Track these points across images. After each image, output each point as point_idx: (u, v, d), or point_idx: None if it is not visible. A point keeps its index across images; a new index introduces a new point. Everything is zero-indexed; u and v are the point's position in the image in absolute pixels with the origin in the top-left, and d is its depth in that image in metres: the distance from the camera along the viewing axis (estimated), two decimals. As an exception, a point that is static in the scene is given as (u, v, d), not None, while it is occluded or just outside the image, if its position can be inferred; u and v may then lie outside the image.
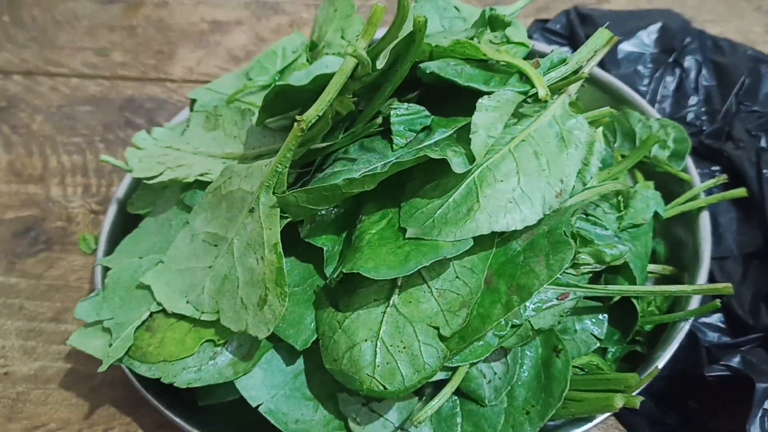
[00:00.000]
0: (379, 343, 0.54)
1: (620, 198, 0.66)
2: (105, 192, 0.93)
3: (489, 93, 0.59)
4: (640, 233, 0.66)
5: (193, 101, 0.78)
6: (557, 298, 0.59)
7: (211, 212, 0.61)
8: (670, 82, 0.89)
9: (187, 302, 0.60)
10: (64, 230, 0.89)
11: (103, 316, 0.62)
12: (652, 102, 0.88)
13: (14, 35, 1.15)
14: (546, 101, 0.61)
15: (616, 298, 0.64)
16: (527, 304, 0.57)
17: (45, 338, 0.79)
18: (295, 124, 0.52)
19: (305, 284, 0.60)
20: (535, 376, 0.59)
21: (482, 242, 0.56)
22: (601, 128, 0.69)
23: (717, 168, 0.80)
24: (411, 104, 0.62)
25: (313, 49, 0.77)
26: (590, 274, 0.62)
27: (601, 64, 0.84)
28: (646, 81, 0.89)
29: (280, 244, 0.55)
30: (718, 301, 0.60)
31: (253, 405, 0.58)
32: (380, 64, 0.55)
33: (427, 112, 0.62)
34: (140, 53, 1.11)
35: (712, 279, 0.72)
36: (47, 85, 1.07)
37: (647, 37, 0.92)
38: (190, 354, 0.59)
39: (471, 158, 0.55)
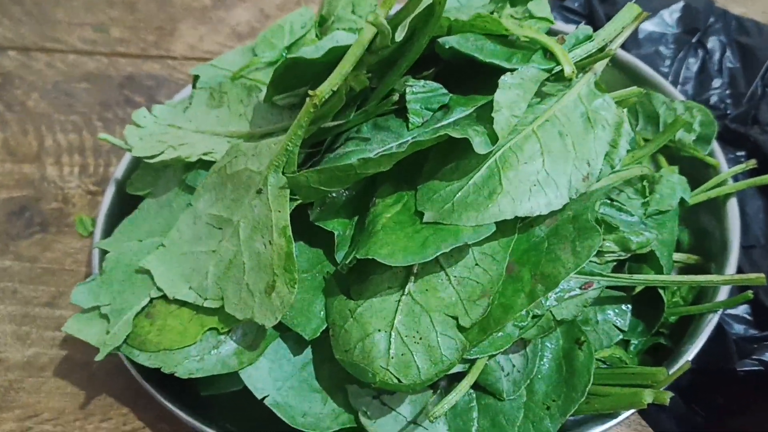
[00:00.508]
0: (393, 334, 0.51)
1: (645, 183, 0.63)
2: (103, 172, 0.90)
3: (511, 70, 0.56)
4: (666, 220, 0.63)
5: (196, 78, 0.74)
6: (580, 288, 0.56)
7: (215, 193, 0.57)
8: (693, 63, 0.86)
9: (190, 288, 0.56)
10: (60, 211, 0.86)
11: (101, 302, 0.59)
12: (674, 84, 0.84)
13: (10, 9, 1.10)
14: (571, 79, 0.58)
15: (640, 288, 0.61)
16: (550, 293, 0.54)
17: (39, 324, 0.76)
18: (308, 99, 0.49)
19: (314, 270, 0.57)
20: (556, 369, 0.56)
21: (504, 227, 0.53)
22: (625, 110, 0.66)
23: (742, 153, 0.78)
24: (428, 81, 0.59)
25: (323, 25, 0.74)
26: (614, 263, 0.59)
27: (622, 44, 0.80)
28: (668, 62, 0.86)
29: (290, 228, 0.51)
30: (750, 292, 0.57)
31: (259, 397, 0.55)
32: (399, 36, 0.51)
33: (445, 90, 0.58)
34: (140, 29, 1.07)
35: (738, 269, 0.69)
36: (43, 62, 1.03)
37: (669, 17, 0.88)
38: (193, 342, 0.55)
39: (493, 138, 0.52)
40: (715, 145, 0.69)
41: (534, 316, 0.55)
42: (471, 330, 0.51)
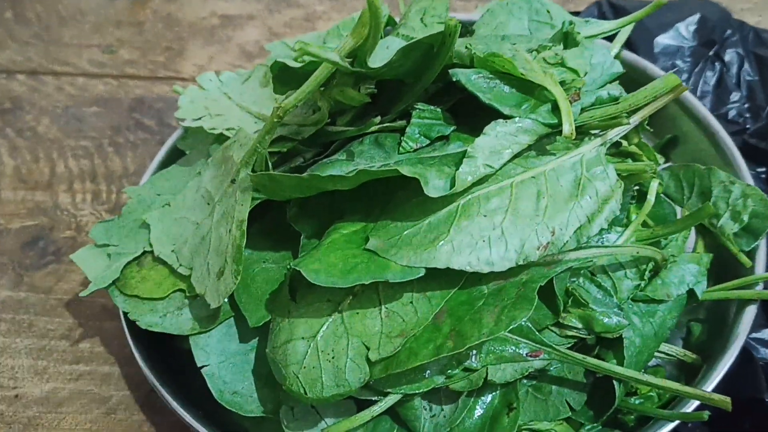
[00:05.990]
0: (312, 345, 0.53)
1: (647, 266, 0.58)
2: (115, 199, 0.90)
3: (508, 117, 0.54)
4: (658, 310, 0.58)
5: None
6: (528, 354, 0.54)
7: (215, 170, 0.61)
8: (711, 77, 0.83)
9: (172, 251, 0.61)
10: (74, 240, 0.86)
11: (110, 242, 0.65)
12: (692, 98, 0.81)
13: (18, 33, 1.09)
14: (575, 139, 0.55)
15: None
16: (478, 352, 0.53)
17: (57, 357, 0.76)
18: (273, 108, 0.51)
19: (282, 263, 0.60)
20: (480, 427, 0.55)
21: (451, 274, 0.51)
22: (656, 183, 0.61)
23: (762, 169, 0.74)
24: (438, 109, 0.58)
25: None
26: (575, 339, 0.56)
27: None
28: (684, 76, 0.83)
29: (246, 222, 0.54)
30: (705, 413, 0.52)
31: (199, 364, 0.58)
32: (375, 63, 0.51)
33: (449, 122, 0.58)
34: (149, 50, 1.06)
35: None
36: (53, 85, 1.03)
37: (685, 30, 0.85)
38: (162, 297, 0.60)
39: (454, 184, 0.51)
40: (762, 243, 0.62)
41: (465, 369, 0.54)
42: (378, 364, 0.51)
